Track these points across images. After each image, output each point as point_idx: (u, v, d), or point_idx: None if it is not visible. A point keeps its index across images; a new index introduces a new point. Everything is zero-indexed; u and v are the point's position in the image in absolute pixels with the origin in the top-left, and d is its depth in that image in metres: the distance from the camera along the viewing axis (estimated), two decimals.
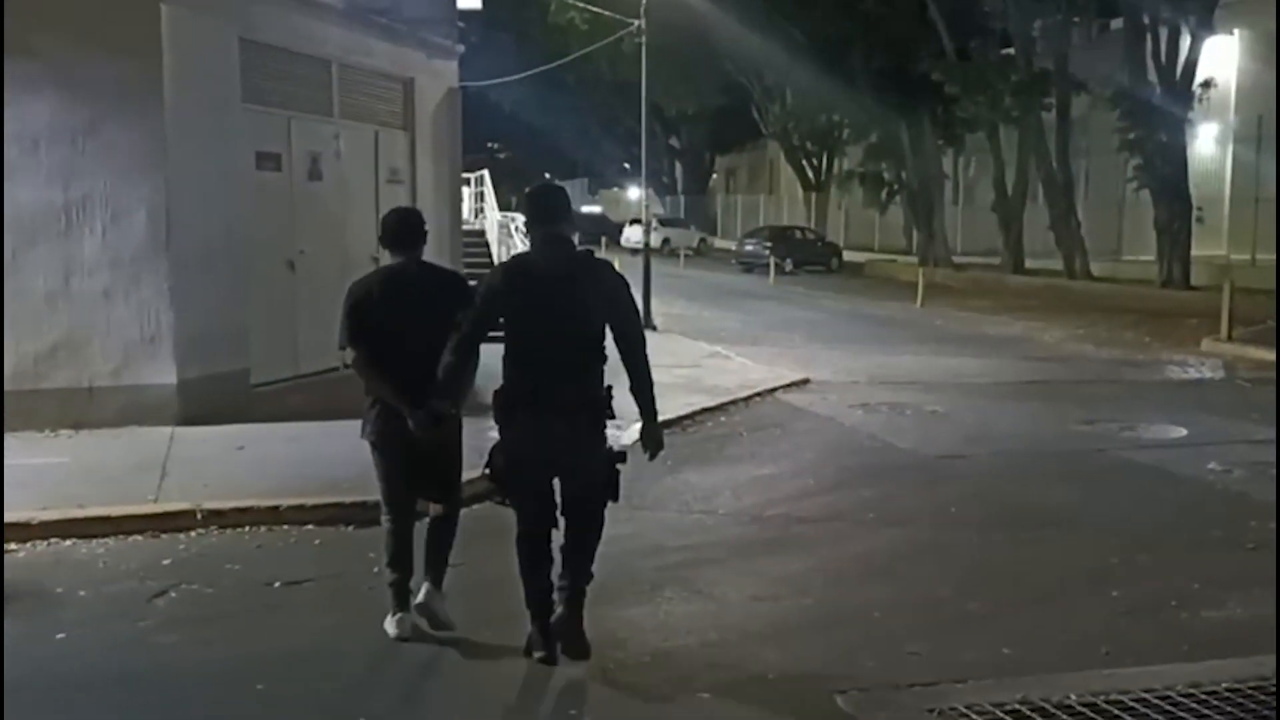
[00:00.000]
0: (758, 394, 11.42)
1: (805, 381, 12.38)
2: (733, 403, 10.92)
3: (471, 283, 4.88)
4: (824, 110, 38.65)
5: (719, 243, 46.76)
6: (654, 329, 16.99)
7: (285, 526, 6.60)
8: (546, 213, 4.52)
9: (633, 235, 38.86)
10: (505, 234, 20.93)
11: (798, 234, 36.65)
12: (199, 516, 6.58)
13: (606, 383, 4.51)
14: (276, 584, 5.69)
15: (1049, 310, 21.48)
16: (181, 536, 6.41)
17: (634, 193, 59.69)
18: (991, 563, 6.17)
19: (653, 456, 4.59)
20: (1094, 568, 6.07)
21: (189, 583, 5.67)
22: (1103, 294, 23.57)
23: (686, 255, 35.81)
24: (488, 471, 4.53)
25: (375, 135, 12.01)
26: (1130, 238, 28.21)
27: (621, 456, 4.59)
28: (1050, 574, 5.98)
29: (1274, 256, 19.85)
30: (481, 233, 20.39)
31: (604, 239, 39.59)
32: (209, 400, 9.18)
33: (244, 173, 9.95)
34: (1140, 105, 22.83)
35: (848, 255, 36.46)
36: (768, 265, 30.52)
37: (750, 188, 56.04)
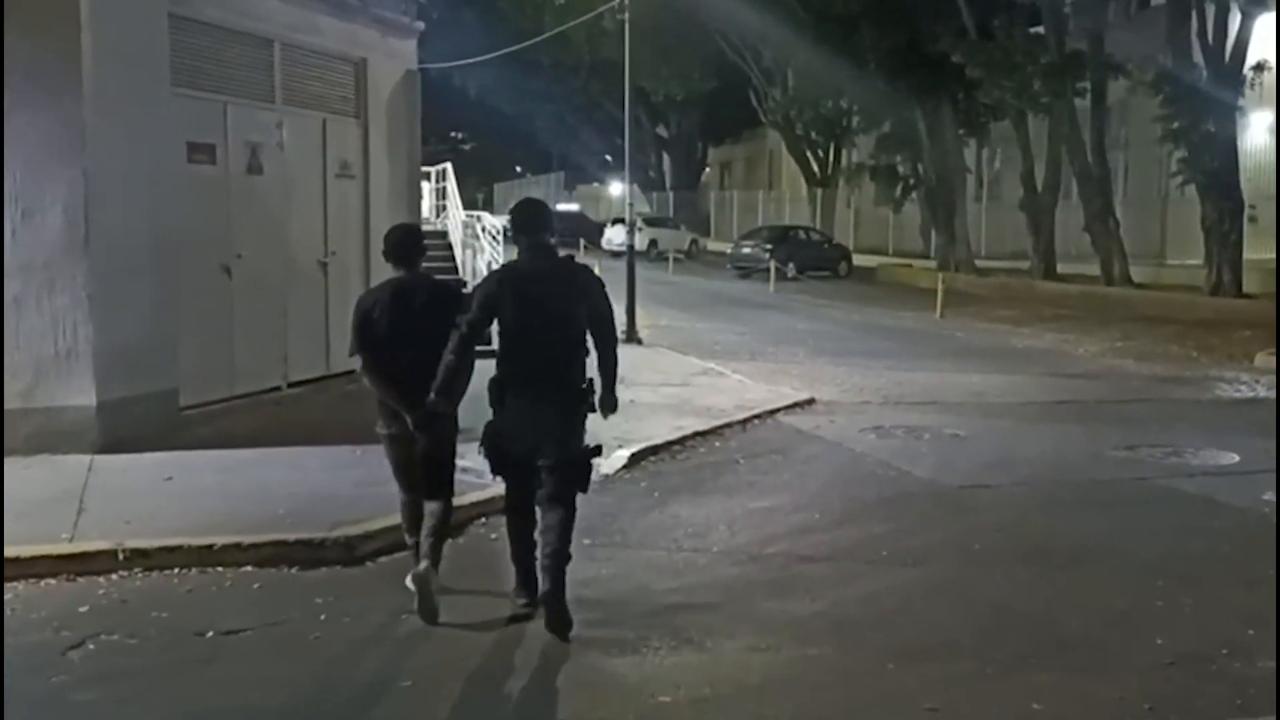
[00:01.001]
0: (756, 416, 11.46)
1: (810, 402, 12.43)
2: (728, 426, 10.95)
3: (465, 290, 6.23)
4: (831, 95, 38.90)
5: (712, 245, 46.91)
6: (639, 343, 17.04)
7: (219, 568, 6.59)
8: (531, 224, 5.93)
9: (615, 236, 38.93)
10: (470, 235, 20.95)
11: (801, 235, 36.82)
12: (121, 557, 6.56)
13: (588, 375, 5.84)
14: (209, 634, 5.68)
15: (1084, 320, 21.63)
16: (101, 580, 6.39)
17: (616, 188, 59.86)
18: (1019, 606, 6.21)
19: (605, 417, 5.95)
20: (1134, 611, 6.12)
21: (109, 633, 5.65)
22: (1144, 302, 23.74)
23: (676, 259, 35.91)
24: (481, 449, 5.93)
25: (323, 124, 12.04)
26: (1174, 239, 28.41)
27: (597, 450, 6.00)
28: (1085, 618, 6.02)
29: None
30: (444, 234, 20.39)
31: (582, 241, 39.63)
32: (133, 424, 9.16)
33: (174, 166, 9.96)
34: (1185, 90, 23.01)
35: (858, 259, 36.63)
36: (767, 270, 30.63)
37: (748, 183, 56.25)
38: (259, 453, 9.09)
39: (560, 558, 5.68)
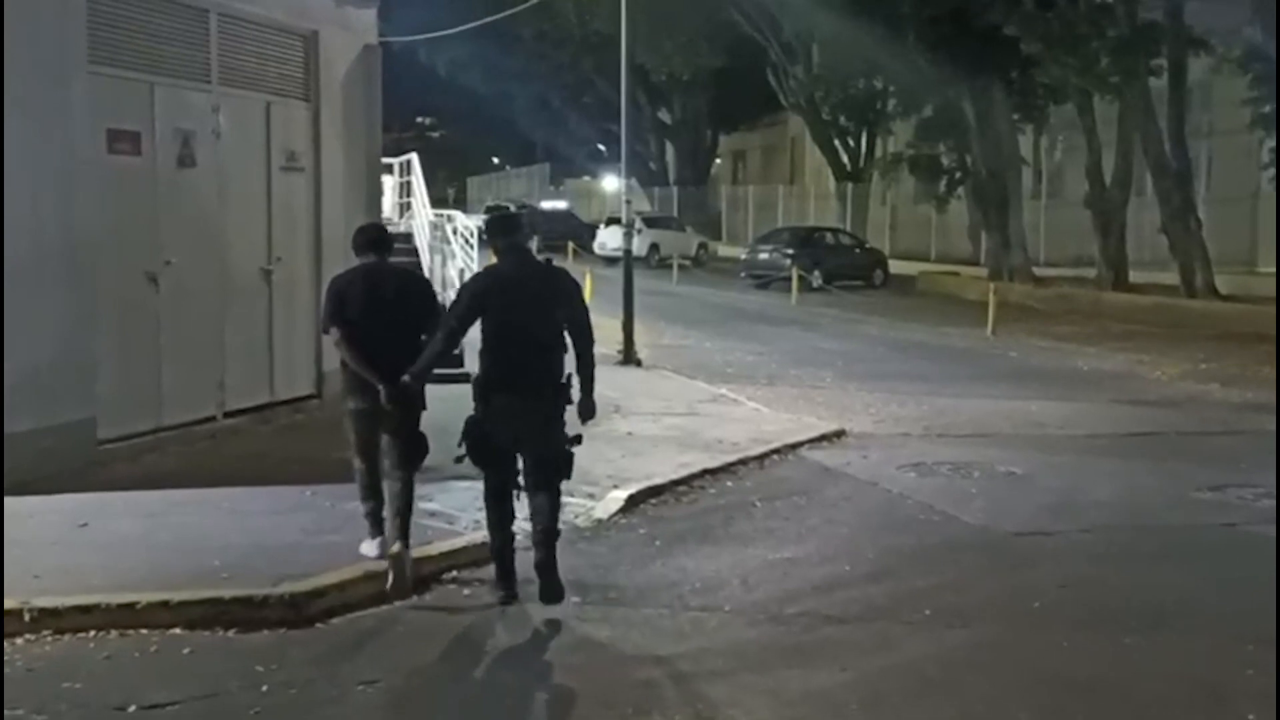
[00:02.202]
0: (775, 450, 11.47)
1: (839, 434, 12.45)
2: (742, 462, 10.96)
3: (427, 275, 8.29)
4: (863, 74, 39.09)
5: (724, 249, 47.09)
6: (637, 364, 17.06)
7: (143, 631, 6.57)
8: (508, 228, 7.41)
9: (609, 240, 39.00)
10: (440, 239, 20.95)
11: (828, 238, 36.92)
12: (27, 618, 6.55)
13: (567, 371, 7.15)
14: (130, 708, 5.67)
15: (1160, 338, 21.67)
16: (5, 645, 6.38)
17: (610, 183, 59.93)
18: (1085, 677, 6.19)
19: (584, 421, 7.14)
20: (1220, 681, 6.11)
21: (14, 706, 5.64)
22: (1231, 316, 23.79)
23: (681, 266, 35.95)
24: (461, 446, 7.14)
25: (266, 108, 12.09)
26: (1267, 242, 28.48)
27: (577, 439, 7.18)
28: (1164, 691, 6.01)
29: None
30: (408, 236, 20.39)
31: (571, 245, 39.71)
32: (42, 461, 9.16)
33: (91, 157, 9.99)
34: (1277, 69, 23.11)
35: (895, 265, 36.74)
36: (788, 279, 30.71)
37: (765, 176, 56.44)
38: (190, 494, 9.08)
39: (551, 534, 7.08)
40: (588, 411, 7.15)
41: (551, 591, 7.02)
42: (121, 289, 10.35)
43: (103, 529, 8.18)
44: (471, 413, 7.14)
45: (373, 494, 7.66)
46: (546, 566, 7.04)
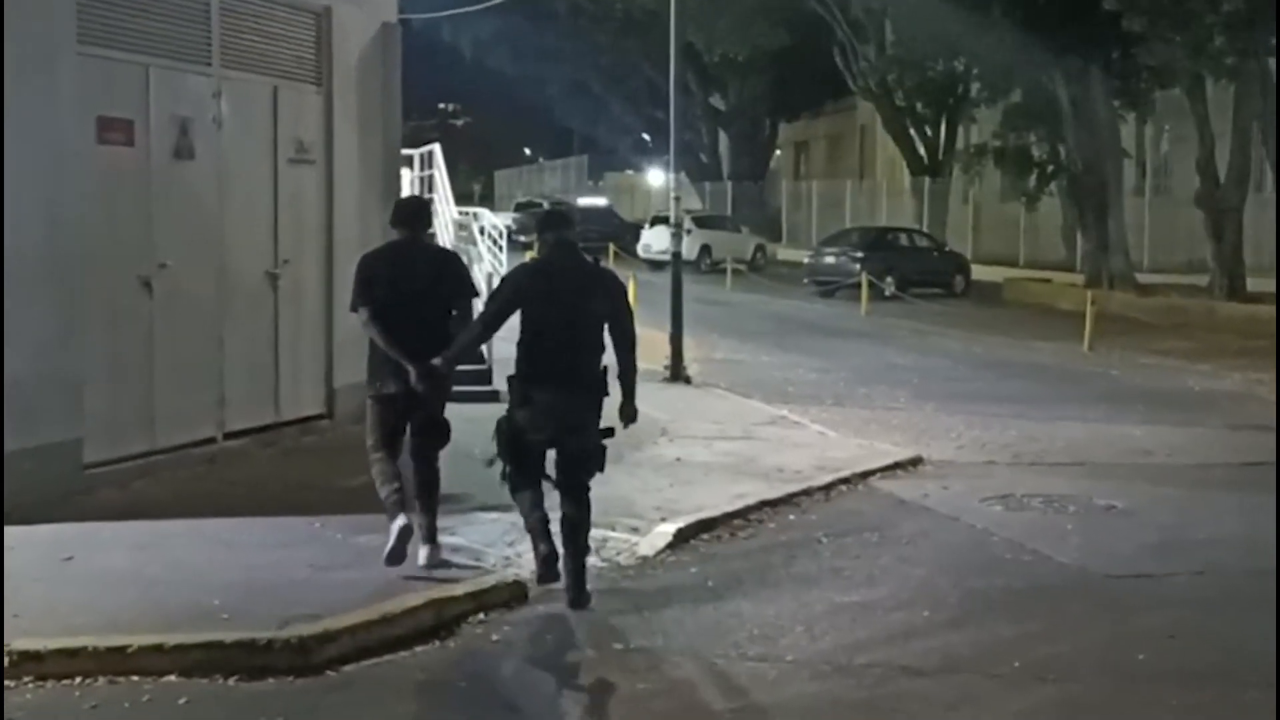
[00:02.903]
0: (843, 480, 11.44)
1: (916, 462, 12.42)
2: (805, 493, 10.94)
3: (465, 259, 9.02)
4: (942, 54, 38.93)
5: (784, 252, 47.04)
6: (686, 382, 17.06)
7: (135, 678, 6.61)
8: (557, 222, 8.24)
9: (655, 241, 39.08)
10: (466, 240, 21.03)
11: (903, 240, 36.83)
12: (7, 662, 6.61)
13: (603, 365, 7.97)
14: None
15: None
16: None
17: (656, 178, 60.20)
18: None
19: (626, 426, 8.00)
20: None
21: None
22: None
23: (736, 271, 35.92)
24: (495, 439, 7.94)
25: (273, 93, 12.17)
26: None
27: (610, 431, 7.97)
28: None
29: None
30: (430, 236, 20.53)
31: (612, 247, 39.77)
32: (23, 487, 9.22)
33: (78, 148, 10.07)
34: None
35: (978, 271, 36.60)
36: (857, 286, 30.62)
37: (831, 170, 56.42)
38: (187, 525, 9.14)
39: (583, 537, 7.90)
40: (630, 416, 7.97)
41: (580, 595, 7.82)
42: (111, 295, 10.42)
43: (90, 563, 8.24)
44: (504, 413, 8.01)
45: (394, 477, 8.16)
46: (576, 570, 7.83)
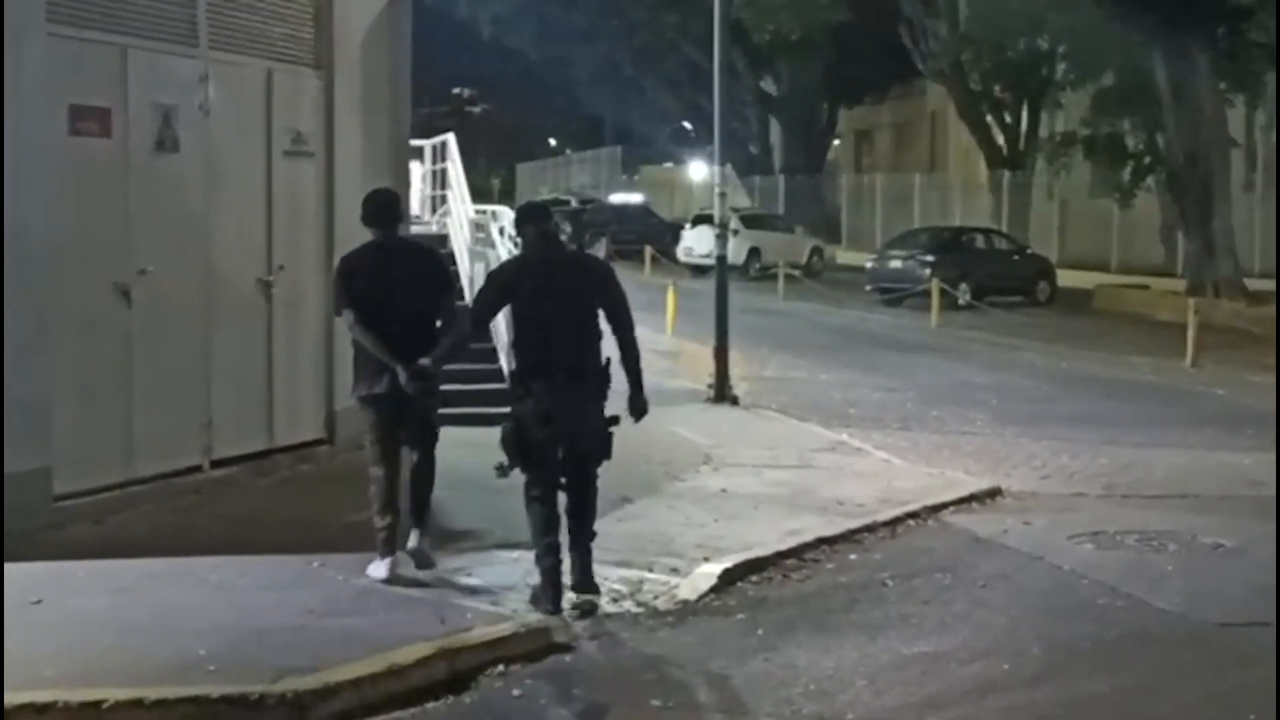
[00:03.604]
0: (911, 514, 11.39)
1: (994, 493, 12.36)
2: (868, 529, 10.89)
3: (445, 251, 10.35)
4: (1024, 31, 38.86)
5: (844, 255, 46.96)
6: (733, 403, 17.03)
7: None
8: (535, 215, 9.05)
9: (697, 243, 38.98)
10: (484, 242, 21.05)
11: (979, 241, 36.71)
12: None
13: (606, 356, 8.76)
14: None
15: None
16: None
17: (699, 171, 60.19)
18: None
19: (637, 420, 8.84)
20: None
21: None
22: None
23: (789, 276, 35.90)
24: (503, 444, 8.56)
25: (268, 77, 12.20)
26: None
27: (615, 420, 8.74)
28: None
29: None
30: (443, 239, 20.55)
31: (649, 250, 39.77)
32: None
33: (47, 140, 10.09)
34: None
35: (1065, 277, 36.45)
36: (927, 294, 30.53)
37: (897, 162, 56.34)
38: (169, 564, 9.14)
39: (588, 536, 8.66)
40: (639, 408, 8.81)
41: (587, 587, 8.60)
42: (84, 305, 10.44)
43: (61, 607, 8.24)
44: (508, 419, 8.71)
45: (389, 509, 8.88)
46: (582, 566, 8.62)
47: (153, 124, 11.02)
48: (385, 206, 9.29)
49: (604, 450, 8.79)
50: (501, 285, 8.91)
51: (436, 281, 9.21)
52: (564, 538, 8.60)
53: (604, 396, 8.70)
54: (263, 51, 12.16)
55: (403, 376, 8.61)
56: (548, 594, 8.39)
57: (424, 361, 8.67)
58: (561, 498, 8.71)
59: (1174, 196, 33.67)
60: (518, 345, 8.91)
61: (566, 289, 8.67)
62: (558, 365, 8.53)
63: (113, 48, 10.69)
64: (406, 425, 8.98)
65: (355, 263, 9.07)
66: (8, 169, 9.71)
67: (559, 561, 8.50)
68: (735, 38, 39.76)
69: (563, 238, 9.35)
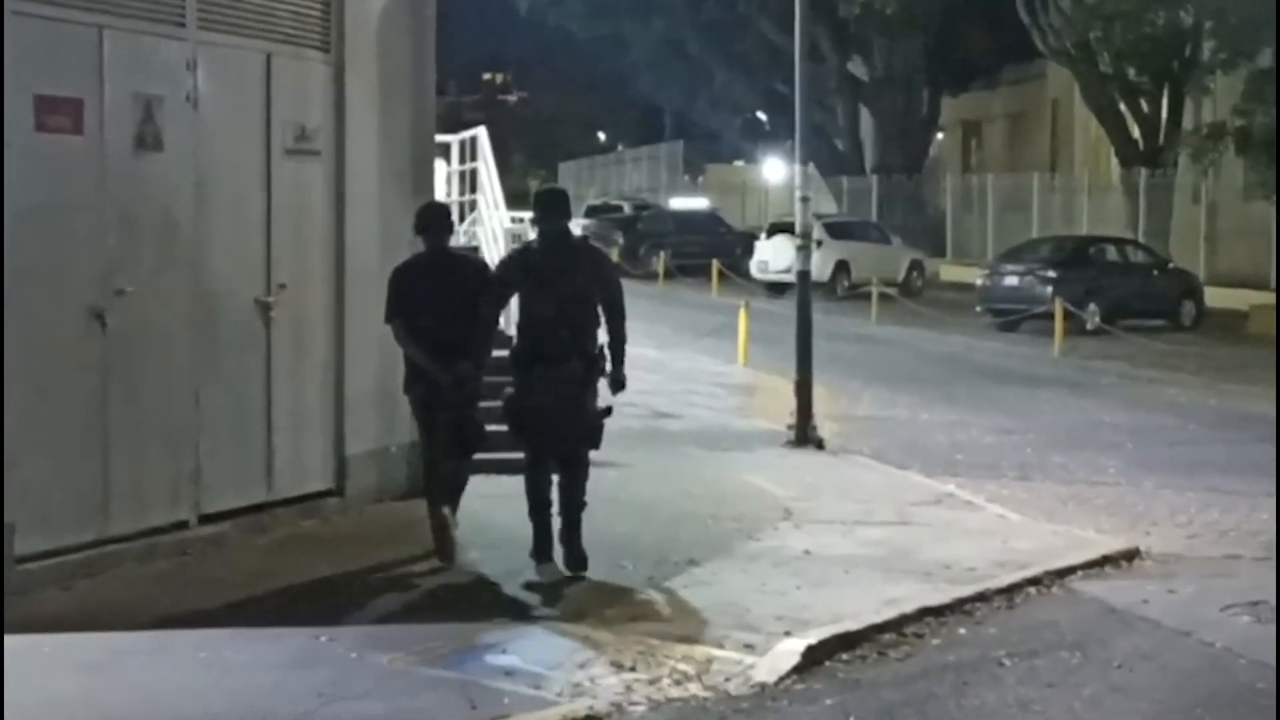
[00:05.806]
0: (1032, 580, 11.33)
1: (1131, 555, 12.28)
2: (981, 598, 10.85)
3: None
4: (1164, 3, 38.76)
5: (949, 270, 46.92)
6: (818, 447, 17.00)
7: None
8: (550, 209, 10.89)
9: (774, 258, 39.02)
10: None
11: (1110, 254, 36.52)
12: None
13: (600, 343, 10.81)
14: None
15: None
16: None
17: (775, 171, 60.24)
18: None
19: (615, 393, 10.86)
20: None
21: None
22: None
23: (884, 296, 35.85)
24: (504, 416, 10.78)
25: (266, 63, 12.25)
26: None
27: (607, 411, 10.85)
28: None
29: None
30: (474, 250, 20.63)
31: (715, 264, 39.79)
32: None
33: (11, 137, 10.14)
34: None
35: (1214, 296, 36.27)
36: (1049, 317, 30.44)
37: (1013, 160, 56.20)
38: (152, 638, 9.19)
39: (577, 507, 10.78)
40: (618, 384, 10.86)
41: (575, 559, 10.69)
42: (51, 332, 10.49)
43: (25, 688, 8.26)
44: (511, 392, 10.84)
45: (443, 522, 10.98)
46: (571, 537, 10.77)
47: (132, 118, 11.05)
48: (440, 218, 11.38)
49: (593, 440, 10.88)
50: (504, 276, 11.03)
51: (483, 294, 10.99)
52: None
53: (594, 384, 10.75)
54: (261, 32, 12.17)
55: (442, 381, 10.76)
56: (539, 546, 10.66)
57: (463, 365, 10.74)
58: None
59: None
60: (518, 331, 11.05)
61: (561, 278, 10.61)
62: (549, 351, 10.57)
63: (87, 28, 10.71)
64: (443, 426, 10.92)
65: (405, 272, 11.18)
66: None
67: (549, 517, 10.72)
68: (820, 12, 39.91)
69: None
